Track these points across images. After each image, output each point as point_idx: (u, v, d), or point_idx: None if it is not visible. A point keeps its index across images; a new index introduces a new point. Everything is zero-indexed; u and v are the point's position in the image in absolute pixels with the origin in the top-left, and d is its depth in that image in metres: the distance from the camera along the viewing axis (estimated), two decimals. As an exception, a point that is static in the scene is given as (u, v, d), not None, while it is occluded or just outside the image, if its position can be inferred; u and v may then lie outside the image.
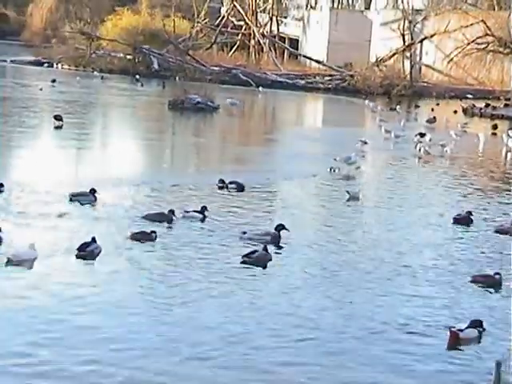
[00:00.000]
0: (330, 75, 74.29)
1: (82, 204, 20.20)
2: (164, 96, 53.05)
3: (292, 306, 13.85)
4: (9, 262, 14.95)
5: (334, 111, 58.88)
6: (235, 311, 13.43)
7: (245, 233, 17.95)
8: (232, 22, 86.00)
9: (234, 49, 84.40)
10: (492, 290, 15.49)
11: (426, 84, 73.30)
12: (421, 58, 78.80)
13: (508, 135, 39.71)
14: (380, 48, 78.68)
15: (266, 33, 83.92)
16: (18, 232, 17.03)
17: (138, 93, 57.83)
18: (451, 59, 65.52)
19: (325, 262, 16.82)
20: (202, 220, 19.22)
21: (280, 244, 17.64)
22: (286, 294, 14.43)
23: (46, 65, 74.32)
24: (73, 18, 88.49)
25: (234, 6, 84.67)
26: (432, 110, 54.28)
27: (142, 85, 62.03)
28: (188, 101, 47.02)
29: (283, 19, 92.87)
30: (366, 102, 57.83)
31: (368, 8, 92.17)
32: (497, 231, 20.27)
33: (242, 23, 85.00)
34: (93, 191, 20.66)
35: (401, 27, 75.32)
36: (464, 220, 20.90)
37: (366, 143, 34.48)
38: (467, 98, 66.43)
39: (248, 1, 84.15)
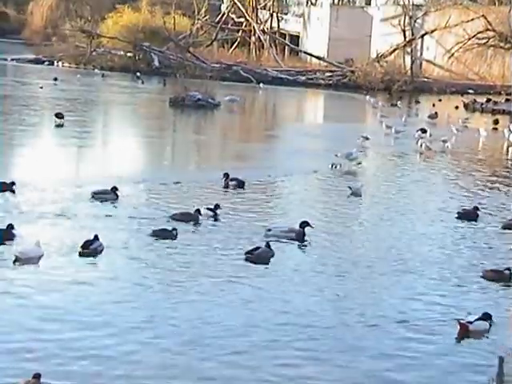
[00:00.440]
0: (331, 71, 74.22)
1: (103, 202, 20.34)
2: (165, 93, 53.03)
3: (292, 301, 13.85)
4: (17, 260, 15.08)
5: (334, 107, 58.83)
6: (235, 306, 13.45)
7: (269, 230, 18.03)
8: (232, 18, 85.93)
9: (234, 45, 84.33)
10: (502, 285, 15.46)
11: (426, 79, 73.22)
12: (421, 54, 78.72)
13: (509, 130, 39.68)
14: (381, 44, 78.60)
15: (266, 29, 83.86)
16: (38, 230, 17.17)
17: (139, 90, 57.80)
18: (452, 54, 65.47)
19: (328, 258, 16.84)
20: (215, 218, 19.23)
21: (304, 240, 17.73)
22: (287, 290, 14.43)
23: (46, 63, 74.28)
24: (73, 16, 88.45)
25: (235, 2, 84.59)
26: (433, 105, 54.23)
27: (142, 82, 62.00)
28: (189, 98, 46.98)
29: (283, 16, 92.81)
30: (367, 97, 57.78)
31: (368, 4, 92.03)
32: (504, 227, 20.20)
33: (242, 20, 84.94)
34: (114, 189, 20.87)
35: (401, 23, 75.26)
36: (470, 215, 20.88)
37: (367, 139, 34.45)
38: (468, 93, 66.37)
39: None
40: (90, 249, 15.71)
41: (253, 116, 52.45)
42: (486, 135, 39.97)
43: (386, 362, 11.71)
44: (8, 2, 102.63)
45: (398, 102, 54.63)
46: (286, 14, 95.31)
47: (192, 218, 18.85)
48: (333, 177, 26.67)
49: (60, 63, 74.75)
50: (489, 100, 58.46)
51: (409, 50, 75.16)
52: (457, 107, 55.45)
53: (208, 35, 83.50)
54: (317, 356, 11.71)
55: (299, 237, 17.82)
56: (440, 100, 60.06)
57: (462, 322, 12.94)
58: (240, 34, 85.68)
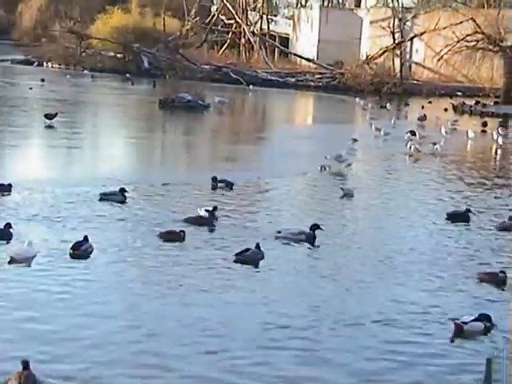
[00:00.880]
0: (321, 73, 74.36)
1: (111, 203, 20.40)
2: (154, 95, 53.03)
3: (281, 303, 13.85)
4: (12, 261, 15.10)
5: (324, 109, 58.93)
6: (222, 308, 13.45)
7: (279, 232, 18.04)
8: (222, 20, 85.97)
9: (224, 47, 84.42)
10: (497, 288, 15.48)
11: (416, 82, 73.45)
12: (411, 56, 78.97)
13: (498, 132, 39.84)
14: (370, 46, 78.84)
15: (256, 31, 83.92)
16: (53, 230, 17.30)
17: (129, 91, 57.77)
18: (441, 57, 65.60)
19: (319, 259, 16.88)
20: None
21: (315, 243, 17.77)
22: (276, 292, 14.44)
23: (35, 64, 74.22)
24: (63, 17, 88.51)
25: (225, 4, 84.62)
26: (422, 107, 54.37)
27: (132, 83, 61.95)
28: (178, 99, 47.01)
29: (273, 17, 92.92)
30: (357, 99, 57.92)
31: (358, 6, 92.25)
32: (500, 228, 20.29)
33: (232, 22, 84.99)
34: (122, 191, 20.91)
35: (391, 25, 75.44)
36: (461, 216, 20.94)
37: (356, 141, 34.52)
38: (457, 95, 66.59)
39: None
40: (81, 250, 15.70)
41: (242, 118, 52.47)
42: (474, 137, 40.10)
43: (379, 362, 11.74)
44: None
45: (388, 104, 54.76)
46: (275, 15, 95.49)
47: (206, 221, 18.82)
48: (322, 179, 26.72)
49: (49, 64, 74.72)
50: (477, 102, 58.70)
51: (398, 52, 75.37)
52: (446, 109, 55.62)
53: (198, 37, 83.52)
54: (308, 357, 11.72)
55: (309, 239, 17.85)
56: (430, 102, 60.21)
57: (456, 322, 12.99)
58: (230, 35, 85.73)
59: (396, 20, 75.84)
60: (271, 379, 10.98)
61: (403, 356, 12.01)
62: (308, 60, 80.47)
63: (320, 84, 71.70)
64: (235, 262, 15.96)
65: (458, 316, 13.28)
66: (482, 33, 62.35)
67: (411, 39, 77.28)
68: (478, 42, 62.66)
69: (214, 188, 23.33)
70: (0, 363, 10.83)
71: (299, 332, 12.61)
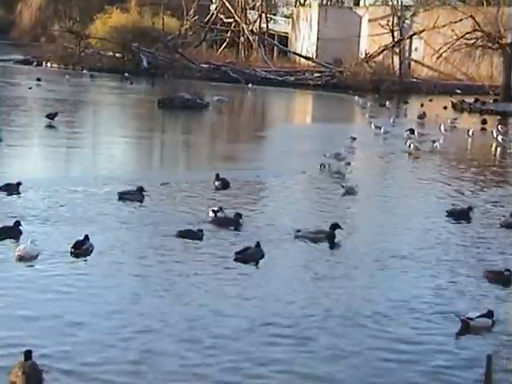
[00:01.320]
0: (320, 72, 74.36)
1: (130, 202, 20.48)
2: (154, 94, 53.07)
3: (280, 300, 13.85)
4: (20, 259, 15.17)
5: (323, 108, 58.93)
6: (222, 306, 13.44)
7: (299, 231, 18.03)
8: (221, 19, 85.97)
9: (223, 46, 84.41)
10: (502, 286, 15.44)
11: (415, 80, 73.45)
12: (410, 54, 78.96)
13: (498, 130, 39.83)
14: (369, 44, 78.80)
15: (255, 30, 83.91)
16: (64, 230, 17.33)
17: (128, 91, 57.76)
18: (440, 55, 65.61)
19: (321, 257, 16.85)
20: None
21: (334, 242, 17.77)
22: (277, 290, 14.44)
23: (35, 63, 74.22)
24: (62, 17, 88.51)
25: (223, 3, 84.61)
26: (422, 105, 54.35)
27: (131, 83, 61.95)
28: (177, 98, 47.00)
29: (272, 16, 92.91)
30: (356, 98, 57.89)
31: (357, 4, 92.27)
32: (501, 225, 20.28)
33: (231, 20, 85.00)
34: (140, 189, 20.94)
35: (390, 23, 75.43)
36: (463, 214, 20.93)
37: (355, 139, 34.51)
38: (456, 93, 66.57)
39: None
40: (82, 249, 15.71)
41: (242, 116, 52.48)
42: (474, 135, 40.11)
43: (383, 358, 11.76)
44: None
45: (387, 103, 54.74)
46: (274, 14, 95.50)
47: (233, 222, 18.78)
48: (322, 177, 26.72)
49: (49, 64, 74.72)
50: (477, 100, 58.65)
51: (397, 50, 75.38)
52: (445, 107, 55.61)
53: (197, 36, 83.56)
54: (310, 356, 11.72)
55: (329, 238, 17.84)
56: (430, 100, 60.22)
57: (463, 318, 13.03)
58: (229, 34, 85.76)
59: (395, 18, 75.83)
60: (272, 377, 10.99)
61: (407, 352, 12.03)
62: (307, 58, 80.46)
63: (319, 82, 71.69)
64: (235, 260, 15.96)
65: (464, 313, 13.30)
66: (482, 30, 62.38)
67: (410, 37, 77.27)
68: (477, 39, 62.70)
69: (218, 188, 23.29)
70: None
71: (301, 330, 12.62)
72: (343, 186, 23.83)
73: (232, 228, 18.55)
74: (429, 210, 22.18)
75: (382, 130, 38.58)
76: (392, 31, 75.26)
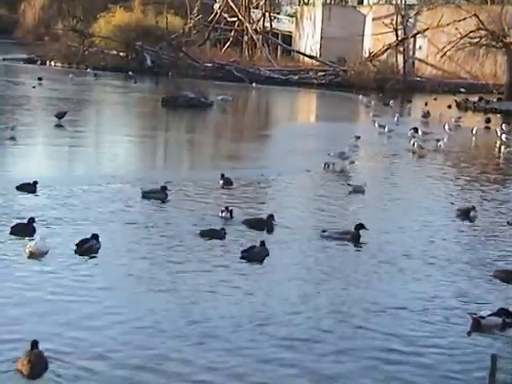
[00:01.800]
0: (324, 70, 74.31)
1: (153, 200, 20.61)
2: (157, 93, 53.06)
3: (287, 299, 13.86)
4: (31, 256, 15.30)
5: (327, 106, 58.91)
6: (228, 303, 13.49)
7: (324, 231, 18.08)
8: (225, 18, 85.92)
9: (227, 45, 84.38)
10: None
11: (419, 79, 73.38)
12: (414, 53, 78.91)
13: (502, 129, 39.81)
14: (373, 43, 78.75)
15: (259, 29, 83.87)
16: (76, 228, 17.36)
17: (132, 90, 57.78)
18: (444, 53, 65.50)
19: (327, 256, 16.83)
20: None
21: (360, 242, 17.77)
22: (281, 288, 14.44)
23: (38, 62, 74.28)
24: (65, 16, 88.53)
25: (227, 2, 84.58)
26: (426, 104, 54.30)
27: (135, 82, 61.97)
28: (181, 97, 46.99)
29: (276, 15, 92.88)
30: (360, 97, 57.84)
31: (361, 3, 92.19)
32: (509, 223, 20.29)
33: (235, 19, 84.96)
34: (164, 188, 21.05)
35: (394, 22, 75.35)
36: (469, 213, 20.91)
37: (359, 138, 34.48)
38: (460, 92, 66.50)
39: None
40: (84, 247, 15.73)
41: (246, 115, 52.46)
42: (478, 134, 40.09)
43: (394, 355, 11.85)
44: (0, 2, 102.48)
45: (391, 102, 54.68)
46: (278, 13, 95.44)
47: (265, 224, 18.72)
48: (327, 176, 26.71)
49: (52, 63, 74.75)
50: (481, 99, 58.60)
51: (401, 49, 75.30)
52: (449, 106, 55.54)
53: (201, 35, 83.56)
54: (311, 354, 11.72)
55: (354, 239, 17.86)
56: (435, 99, 60.21)
57: (474, 316, 13.06)
58: (233, 33, 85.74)
59: (399, 17, 75.75)
60: (275, 377, 11.00)
61: (416, 349, 12.07)
62: (311, 57, 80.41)
63: (323, 81, 71.65)
64: (241, 258, 15.99)
65: (475, 311, 13.34)
66: (486, 29, 62.26)
67: (414, 36, 77.24)
68: (481, 38, 62.57)
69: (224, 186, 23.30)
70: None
71: (304, 329, 12.63)
72: (350, 185, 23.82)
73: (263, 229, 18.46)
74: (435, 208, 22.19)
75: (386, 129, 38.56)
76: (396, 30, 75.19)
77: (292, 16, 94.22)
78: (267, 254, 16.28)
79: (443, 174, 28.45)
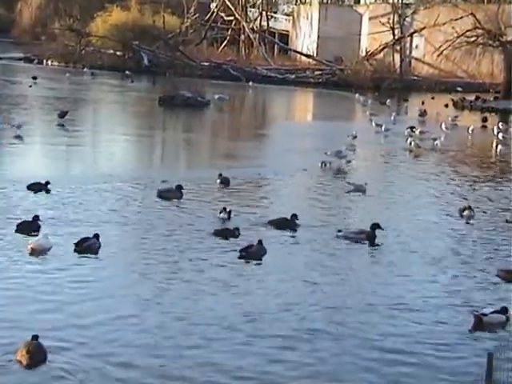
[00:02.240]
0: (320, 69, 74.37)
1: (169, 200, 20.73)
2: (154, 92, 53.07)
3: (286, 298, 13.89)
4: (33, 252, 15.42)
5: (324, 105, 58.94)
6: (229, 301, 13.56)
7: (340, 231, 18.10)
8: (222, 17, 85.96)
9: (224, 44, 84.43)
10: None
11: (416, 78, 73.46)
12: (411, 52, 79.00)
13: (498, 128, 39.86)
14: (370, 42, 78.81)
15: (255, 28, 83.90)
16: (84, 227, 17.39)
17: (129, 89, 57.78)
18: (441, 52, 65.65)
19: (327, 254, 16.86)
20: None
21: (375, 242, 17.79)
22: (279, 287, 14.47)
23: (35, 62, 74.21)
24: (62, 15, 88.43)
25: (224, 1, 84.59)
26: (422, 103, 54.35)
27: (132, 81, 61.97)
28: (178, 96, 47.00)
29: (273, 14, 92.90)
30: (357, 95, 57.90)
31: (357, 2, 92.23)
32: (508, 221, 20.36)
33: (231, 18, 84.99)
34: (179, 187, 21.20)
35: (390, 21, 75.43)
36: (466, 211, 20.95)
37: (355, 137, 34.52)
38: (457, 91, 66.58)
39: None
40: (83, 246, 15.77)
41: (242, 114, 52.48)
42: (474, 133, 40.17)
43: (397, 352, 11.91)
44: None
45: (388, 100, 54.73)
46: (275, 12, 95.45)
47: (289, 224, 18.72)
48: (324, 175, 26.72)
49: (49, 62, 74.70)
50: (478, 98, 58.69)
51: (398, 48, 75.44)
52: (447, 105, 55.59)
53: (197, 34, 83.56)
54: (312, 352, 11.76)
55: (370, 238, 17.85)
56: (433, 98, 60.30)
57: (476, 313, 13.08)
58: (229, 32, 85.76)
59: (396, 16, 75.86)
60: (278, 376, 11.02)
61: (418, 347, 12.11)
62: (308, 56, 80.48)
63: (320, 80, 71.71)
64: (240, 258, 16.04)
65: (477, 309, 13.40)
66: (482, 28, 62.41)
67: (411, 35, 77.33)
68: (477, 37, 62.71)
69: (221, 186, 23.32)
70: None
71: (304, 329, 12.65)
72: (351, 184, 23.86)
73: (288, 229, 18.47)
74: (434, 207, 22.27)
75: (382, 128, 38.61)
76: (392, 29, 75.30)
77: (289, 15, 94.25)
78: (265, 253, 16.33)
79: (440, 173, 28.48)
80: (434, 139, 34.80)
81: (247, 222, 18.84)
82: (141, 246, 16.60)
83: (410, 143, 33.87)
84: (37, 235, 16.20)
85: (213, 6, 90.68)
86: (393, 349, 12.00)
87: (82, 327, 12.04)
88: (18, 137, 30.61)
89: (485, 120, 46.87)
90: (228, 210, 19.17)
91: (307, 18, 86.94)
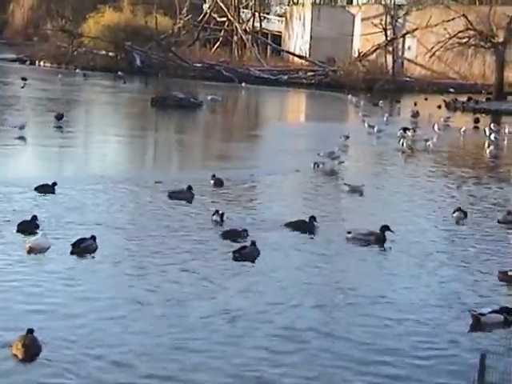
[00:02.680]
0: (313, 70, 74.42)
1: (179, 201, 20.78)
2: (147, 93, 53.07)
3: (280, 299, 13.92)
4: (30, 251, 15.50)
5: (317, 106, 58.99)
6: (222, 302, 13.56)
7: (349, 232, 18.05)
8: (214, 18, 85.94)
9: (216, 45, 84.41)
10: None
11: (408, 79, 73.57)
12: (403, 53, 79.09)
13: (490, 129, 39.97)
14: (362, 43, 78.89)
15: (248, 29, 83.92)
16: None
17: (121, 90, 57.75)
18: (433, 54, 65.73)
19: (324, 255, 16.89)
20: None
21: (385, 244, 17.75)
22: (274, 287, 14.49)
23: (28, 63, 74.13)
24: (54, 16, 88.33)
25: (217, 2, 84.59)
26: (415, 104, 54.42)
27: (124, 82, 61.92)
28: (171, 97, 47.00)
29: (266, 15, 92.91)
30: (349, 96, 57.97)
31: (350, 3, 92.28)
32: (499, 221, 20.38)
33: (224, 19, 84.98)
34: (189, 188, 21.28)
35: (383, 22, 75.52)
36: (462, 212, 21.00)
37: (348, 138, 34.56)
38: (449, 92, 66.70)
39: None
40: (80, 247, 15.78)
41: (235, 115, 52.51)
42: (467, 134, 40.28)
43: (395, 351, 11.96)
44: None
45: (380, 102, 54.81)
46: (268, 13, 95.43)
47: (307, 226, 18.70)
48: (317, 175, 26.75)
49: (41, 63, 74.60)
50: (470, 99, 58.79)
51: (390, 49, 75.54)
52: (439, 107, 55.70)
53: (190, 35, 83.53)
54: (311, 351, 11.77)
55: (379, 240, 17.82)
56: (426, 99, 60.44)
57: (474, 313, 13.09)
58: (222, 33, 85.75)
59: (388, 17, 75.96)
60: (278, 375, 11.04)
61: (415, 346, 12.16)
62: (300, 57, 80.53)
63: (312, 81, 71.76)
64: (233, 259, 16.03)
65: (476, 309, 13.43)
66: (474, 29, 62.51)
67: (403, 36, 77.43)
68: (469, 38, 62.82)
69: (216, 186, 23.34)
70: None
71: (302, 328, 12.68)
72: (347, 185, 23.90)
73: (306, 232, 18.47)
74: (426, 208, 22.24)
75: (375, 129, 38.66)
76: (385, 30, 75.37)
77: (281, 16, 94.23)
78: (258, 254, 16.33)
79: (432, 174, 28.52)
80: (427, 140, 34.88)
81: (258, 224, 18.82)
82: (136, 248, 16.58)
83: (403, 144, 33.93)
84: (36, 234, 16.26)
85: (205, 6, 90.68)
86: (389, 349, 12.01)
87: (76, 327, 12.05)
88: (21, 138, 30.60)
89: (477, 121, 46.99)
90: (220, 212, 19.07)
91: (300, 19, 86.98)
